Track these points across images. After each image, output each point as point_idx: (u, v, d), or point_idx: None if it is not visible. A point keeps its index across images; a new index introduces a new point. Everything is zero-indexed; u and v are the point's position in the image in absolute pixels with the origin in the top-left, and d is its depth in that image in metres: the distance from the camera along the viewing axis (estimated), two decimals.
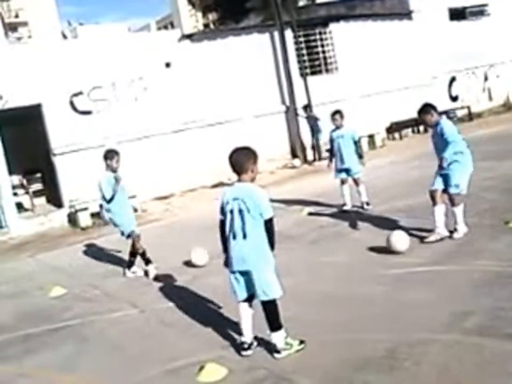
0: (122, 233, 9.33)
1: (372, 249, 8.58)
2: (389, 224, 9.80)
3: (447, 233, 8.39)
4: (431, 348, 5.22)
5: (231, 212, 5.57)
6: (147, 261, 9.24)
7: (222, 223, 5.73)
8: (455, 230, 8.44)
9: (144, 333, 6.88)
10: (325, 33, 21.09)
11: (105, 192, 8.99)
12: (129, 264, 9.40)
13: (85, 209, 14.80)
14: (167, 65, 17.87)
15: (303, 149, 19.97)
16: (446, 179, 8.39)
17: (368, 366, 5.08)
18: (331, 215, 11.20)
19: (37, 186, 18.65)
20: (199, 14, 41.20)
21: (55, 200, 16.98)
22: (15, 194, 16.74)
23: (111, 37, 18.03)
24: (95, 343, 6.90)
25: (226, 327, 6.33)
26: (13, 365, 6.64)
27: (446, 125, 8.34)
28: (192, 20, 43.90)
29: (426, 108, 8.46)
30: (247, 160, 5.56)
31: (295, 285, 7.59)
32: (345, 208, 11.34)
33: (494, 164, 12.31)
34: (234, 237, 5.58)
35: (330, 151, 11.67)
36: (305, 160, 19.85)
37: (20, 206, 16.79)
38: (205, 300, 7.39)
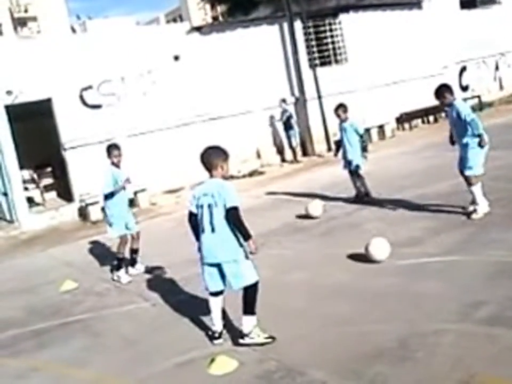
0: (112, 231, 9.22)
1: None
2: (400, 214, 9.76)
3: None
4: (444, 338, 5.18)
5: (201, 207, 5.85)
6: (119, 267, 9.12)
7: (190, 217, 6.02)
8: (474, 211, 8.65)
9: (155, 326, 6.89)
10: (334, 23, 20.95)
11: (105, 187, 8.95)
12: (132, 262, 9.34)
13: (96, 203, 14.80)
14: (176, 58, 17.80)
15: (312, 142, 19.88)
16: (462, 161, 8.74)
17: (381, 357, 5.05)
18: (342, 206, 11.15)
19: (48, 180, 18.73)
20: (208, 7, 41.05)
21: (65, 194, 17.00)
22: (26, 189, 16.79)
23: (120, 31, 17.98)
24: (106, 337, 6.92)
25: (236, 320, 6.31)
26: (25, 360, 6.66)
27: (461, 105, 8.68)
28: (200, 13, 43.72)
29: (442, 88, 8.82)
30: (216, 157, 5.87)
31: (307, 277, 7.60)
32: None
33: (504, 153, 12.19)
34: (203, 231, 5.85)
35: (339, 142, 11.71)
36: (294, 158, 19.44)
37: (30, 201, 16.82)
38: None
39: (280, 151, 19.56)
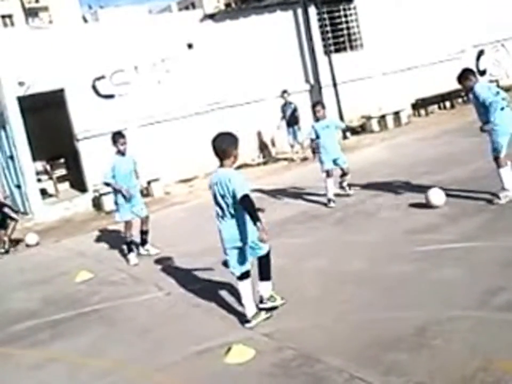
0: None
1: (400, 227, 8.45)
2: (417, 201, 9.65)
3: None
4: (462, 325, 5.11)
5: (215, 196, 5.94)
6: (129, 250, 9.53)
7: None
8: (496, 195, 8.52)
9: (171, 316, 6.88)
10: (349, 9, 20.76)
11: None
12: (142, 243, 9.75)
13: (109, 193, 14.76)
14: (189, 46, 17.73)
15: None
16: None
17: (398, 345, 4.99)
18: (356, 193, 11.05)
19: (61, 171, 18.77)
20: None
21: (79, 185, 17.03)
22: (39, 180, 16.87)
23: (132, 20, 17.92)
24: (122, 327, 6.92)
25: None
26: (43, 350, 6.68)
27: (479, 88, 8.58)
28: None
29: (465, 73, 8.79)
30: (229, 145, 5.86)
31: (324, 265, 7.55)
32: (331, 205, 10.51)
33: None
34: (223, 217, 5.95)
35: (313, 140, 11.10)
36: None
37: (44, 192, 16.90)
38: (230, 282, 7.31)
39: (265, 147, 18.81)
